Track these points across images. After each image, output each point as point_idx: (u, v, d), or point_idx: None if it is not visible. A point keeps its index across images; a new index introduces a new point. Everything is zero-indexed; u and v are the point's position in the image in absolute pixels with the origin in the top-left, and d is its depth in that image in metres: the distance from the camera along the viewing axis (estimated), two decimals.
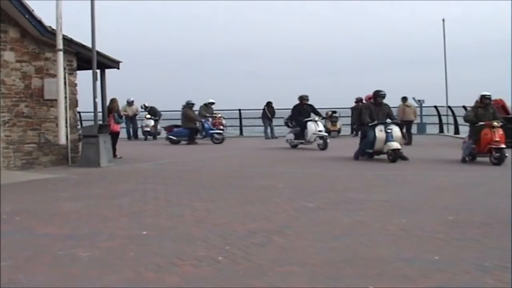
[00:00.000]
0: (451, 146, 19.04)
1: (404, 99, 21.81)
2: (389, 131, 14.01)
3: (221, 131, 23.79)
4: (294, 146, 19.21)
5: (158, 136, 27.36)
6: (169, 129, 24.15)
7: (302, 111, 19.00)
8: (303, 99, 19.25)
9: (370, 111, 14.50)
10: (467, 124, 14.43)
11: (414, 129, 23.78)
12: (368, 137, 14.26)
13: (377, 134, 14.10)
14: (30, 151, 13.57)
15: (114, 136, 16.25)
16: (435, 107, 27.92)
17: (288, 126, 20.13)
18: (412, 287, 4.27)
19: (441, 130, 27.87)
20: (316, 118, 18.81)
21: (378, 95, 14.87)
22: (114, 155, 15.43)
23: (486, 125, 13.43)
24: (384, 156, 14.22)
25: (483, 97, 13.98)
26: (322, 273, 4.63)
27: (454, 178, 10.93)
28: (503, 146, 13.12)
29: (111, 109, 16.46)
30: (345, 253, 5.27)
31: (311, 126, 18.41)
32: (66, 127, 13.75)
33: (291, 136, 19.59)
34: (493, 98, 19.76)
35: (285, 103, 26.24)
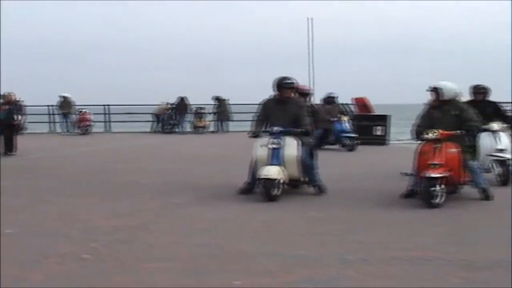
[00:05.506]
0: None
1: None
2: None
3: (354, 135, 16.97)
4: None
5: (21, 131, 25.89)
6: None
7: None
8: None
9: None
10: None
11: None
12: None
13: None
14: None
15: None
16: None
17: None
18: (274, 281, 4.40)
19: None
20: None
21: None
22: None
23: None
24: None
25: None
26: (187, 269, 4.69)
27: None
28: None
29: None
30: (210, 248, 5.37)
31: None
32: None
33: None
34: (355, 96, 19.77)
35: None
